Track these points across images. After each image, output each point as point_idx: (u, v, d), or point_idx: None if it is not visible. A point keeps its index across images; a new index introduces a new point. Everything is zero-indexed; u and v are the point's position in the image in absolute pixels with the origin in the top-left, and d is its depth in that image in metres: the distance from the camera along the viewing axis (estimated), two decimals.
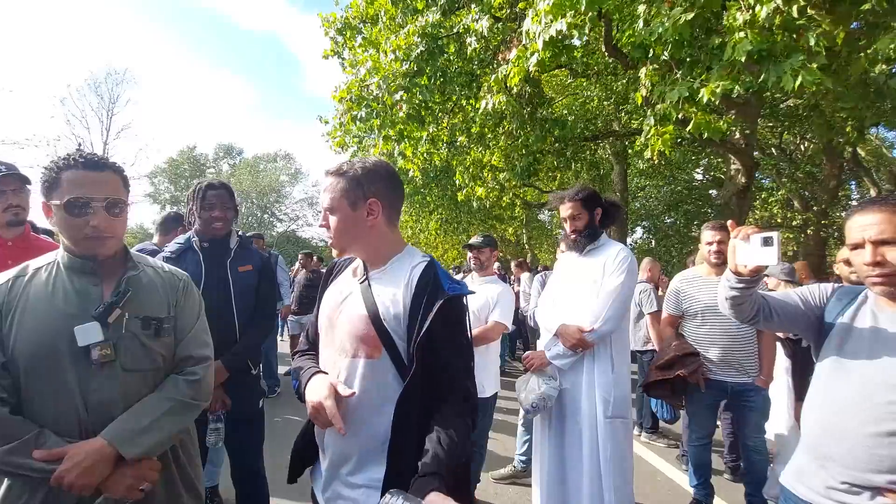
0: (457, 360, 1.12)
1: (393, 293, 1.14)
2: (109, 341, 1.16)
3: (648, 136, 3.94)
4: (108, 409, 1.16)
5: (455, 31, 6.17)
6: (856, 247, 1.24)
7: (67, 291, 1.18)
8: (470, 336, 1.17)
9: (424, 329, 1.06)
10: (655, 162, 4.43)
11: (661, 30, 3.34)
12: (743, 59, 3.08)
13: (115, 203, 1.20)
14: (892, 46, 2.98)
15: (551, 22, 3.92)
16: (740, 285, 1.34)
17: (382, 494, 1.00)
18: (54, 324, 1.14)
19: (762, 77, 3.19)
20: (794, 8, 2.90)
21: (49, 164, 1.20)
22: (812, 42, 2.98)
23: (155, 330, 1.24)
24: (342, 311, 1.21)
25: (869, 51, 3.05)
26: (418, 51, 6.12)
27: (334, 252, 1.24)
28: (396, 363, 1.12)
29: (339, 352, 1.18)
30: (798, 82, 2.97)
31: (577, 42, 6.32)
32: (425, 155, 7.37)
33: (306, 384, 1.18)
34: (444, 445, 1.03)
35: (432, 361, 1.08)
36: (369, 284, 1.19)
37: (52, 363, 1.12)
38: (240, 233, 2.35)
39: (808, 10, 3.12)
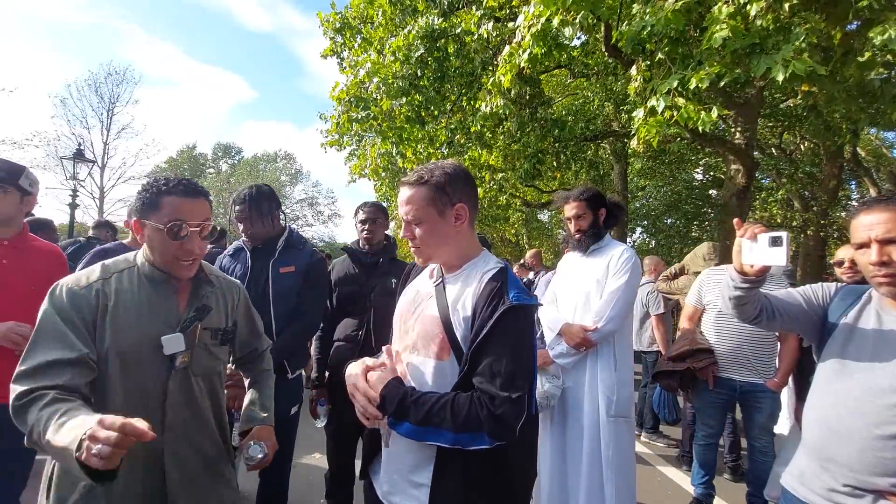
0: (502, 370, 1.04)
1: (464, 298, 1.15)
2: (189, 350, 1.29)
3: (636, 126, 3.95)
4: (181, 409, 1.29)
5: (455, 32, 6.15)
6: (861, 246, 1.22)
7: (152, 301, 1.29)
8: (529, 349, 1.11)
9: (482, 335, 1.06)
10: (641, 152, 4.42)
11: (653, 21, 3.34)
12: (719, 45, 3.10)
13: (207, 228, 1.32)
14: (883, 37, 2.96)
15: (540, 16, 3.95)
16: (745, 285, 1.32)
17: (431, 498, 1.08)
18: (142, 329, 1.25)
19: (752, 69, 3.20)
20: (787, 6, 2.90)
21: (149, 184, 1.29)
22: (801, 39, 2.98)
23: (221, 339, 1.41)
24: (417, 311, 1.23)
25: (864, 49, 3.04)
26: (418, 53, 6.10)
27: (418, 260, 1.25)
28: (462, 367, 1.11)
29: (410, 350, 1.20)
30: (789, 71, 2.97)
31: (575, 41, 6.31)
32: (424, 155, 7.36)
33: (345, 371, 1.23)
34: (436, 402, 1.05)
35: (480, 367, 1.07)
36: (444, 287, 1.21)
37: (137, 365, 1.23)
38: (294, 233, 2.32)
39: (802, 10, 3.13)
